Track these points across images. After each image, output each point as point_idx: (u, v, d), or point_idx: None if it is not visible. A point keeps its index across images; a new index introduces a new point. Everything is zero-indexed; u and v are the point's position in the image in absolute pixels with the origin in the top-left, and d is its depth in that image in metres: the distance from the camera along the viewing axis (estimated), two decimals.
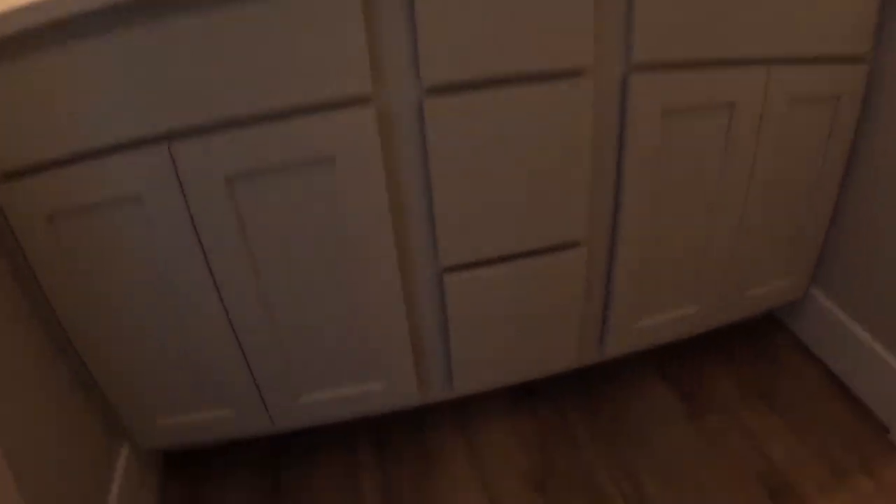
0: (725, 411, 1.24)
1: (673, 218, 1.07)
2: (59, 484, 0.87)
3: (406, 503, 1.11)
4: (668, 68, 0.93)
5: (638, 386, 1.30)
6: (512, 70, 0.84)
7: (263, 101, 0.78)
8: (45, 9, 0.68)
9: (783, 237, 1.19)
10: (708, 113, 0.99)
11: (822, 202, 1.17)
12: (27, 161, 0.78)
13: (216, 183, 0.83)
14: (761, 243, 1.17)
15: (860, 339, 1.19)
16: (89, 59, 0.72)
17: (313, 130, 0.82)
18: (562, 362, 1.15)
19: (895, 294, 1.10)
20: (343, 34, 0.76)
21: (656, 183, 1.01)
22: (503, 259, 1.00)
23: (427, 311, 1.02)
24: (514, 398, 1.29)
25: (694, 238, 1.10)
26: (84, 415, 0.98)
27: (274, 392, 1.03)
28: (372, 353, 1.03)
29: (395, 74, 0.83)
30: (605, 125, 0.94)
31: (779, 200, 1.13)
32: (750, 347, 1.37)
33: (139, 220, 0.85)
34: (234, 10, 0.72)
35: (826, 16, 0.95)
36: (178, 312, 0.93)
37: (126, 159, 0.80)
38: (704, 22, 0.89)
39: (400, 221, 0.93)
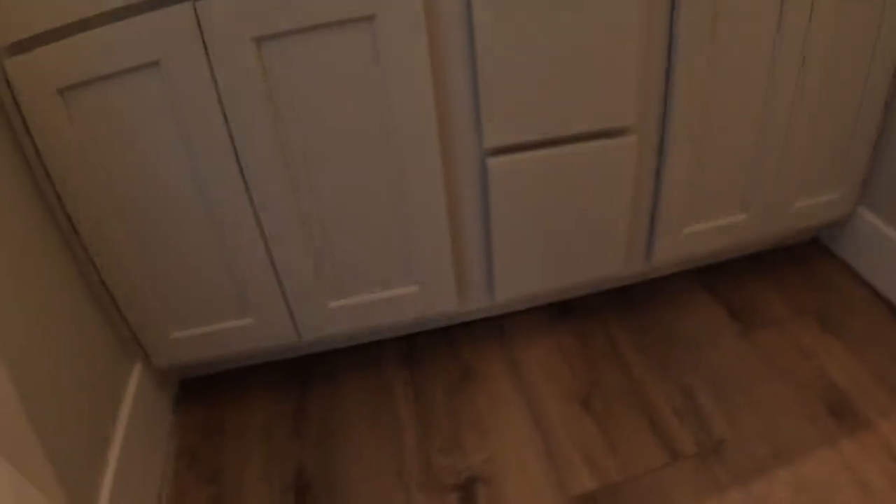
0: (778, 328, 1.17)
1: (724, 118, 1.00)
2: (65, 400, 0.80)
3: (443, 421, 1.04)
4: None
5: (685, 302, 1.23)
6: None
7: None
8: None
9: (831, 148, 1.12)
10: (758, 15, 0.93)
11: (869, 113, 1.10)
12: (34, 30, 0.72)
13: (244, 45, 0.76)
14: (810, 153, 1.11)
15: None
16: None
17: None
18: (609, 269, 1.08)
19: None
20: None
21: (708, 73, 0.95)
22: (550, 143, 0.93)
23: (468, 202, 0.95)
24: (554, 316, 1.22)
25: (744, 142, 1.04)
26: (93, 327, 0.91)
27: (301, 298, 0.96)
28: (408, 250, 0.96)
29: None
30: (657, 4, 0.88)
31: (827, 110, 1.07)
32: (797, 269, 1.30)
33: (157, 91, 0.78)
34: None
35: None
36: (198, 203, 0.86)
37: (144, 22, 0.73)
38: None
39: (442, 95, 0.86)
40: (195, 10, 0.73)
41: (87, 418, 0.84)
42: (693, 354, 1.12)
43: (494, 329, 1.20)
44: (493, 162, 0.91)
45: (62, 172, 0.81)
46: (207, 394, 1.12)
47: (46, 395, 0.75)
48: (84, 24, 0.73)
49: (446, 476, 0.96)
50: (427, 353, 1.16)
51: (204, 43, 0.76)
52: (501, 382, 1.09)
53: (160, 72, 0.77)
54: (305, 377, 1.14)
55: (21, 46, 0.73)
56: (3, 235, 0.74)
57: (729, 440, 0.98)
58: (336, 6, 0.76)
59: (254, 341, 0.99)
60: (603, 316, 1.20)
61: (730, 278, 1.28)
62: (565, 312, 1.22)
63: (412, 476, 0.97)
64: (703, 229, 1.11)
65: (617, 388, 1.07)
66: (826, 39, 0.98)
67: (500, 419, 1.03)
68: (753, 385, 1.06)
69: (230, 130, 0.81)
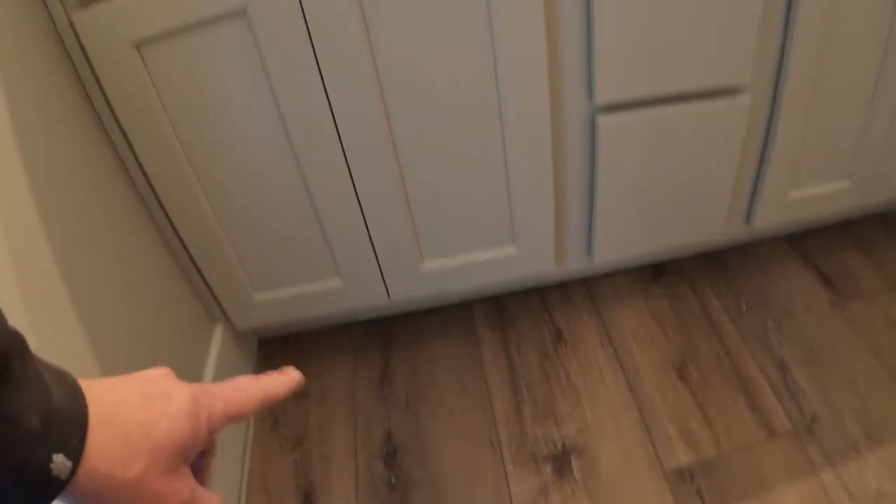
0: (871, 300, 1.12)
1: (837, 80, 0.93)
2: (149, 361, 0.77)
3: (535, 387, 1.01)
4: None
5: (777, 269, 1.18)
6: None
7: None
8: None
9: None
10: None
11: None
12: None
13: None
14: None
15: None
16: None
17: None
18: (708, 233, 1.03)
19: None
20: None
21: (825, 34, 0.88)
22: (662, 101, 0.87)
23: (574, 161, 0.90)
24: (646, 279, 1.17)
25: (855, 107, 0.97)
26: (175, 291, 0.88)
27: (393, 258, 0.92)
28: (509, 210, 0.91)
29: None
30: None
31: None
32: (890, 238, 1.24)
33: (244, 41, 0.73)
34: None
35: None
36: (288, 160, 0.82)
37: None
38: None
39: (554, 49, 0.80)
40: None
41: None
42: (787, 324, 1.08)
43: (585, 290, 1.16)
44: (603, 119, 0.86)
45: (141, 131, 0.77)
46: (287, 353, 1.10)
47: (132, 362, 0.73)
48: None
49: (540, 446, 0.93)
50: (517, 316, 1.12)
51: None
52: (594, 347, 1.05)
53: (247, 20, 0.72)
54: (389, 338, 1.11)
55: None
56: (86, 206, 0.70)
57: (822, 417, 0.95)
58: None
59: (340, 303, 0.96)
60: (696, 280, 1.16)
61: (821, 245, 1.22)
62: (657, 275, 1.17)
63: (504, 445, 0.94)
64: (805, 196, 1.05)
65: (712, 357, 1.03)
66: None
67: (594, 386, 1.00)
68: (847, 359, 1.02)
69: (324, 82, 0.76)
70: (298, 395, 1.03)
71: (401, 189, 0.86)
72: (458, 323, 1.12)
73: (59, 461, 0.24)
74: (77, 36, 0.70)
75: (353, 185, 0.84)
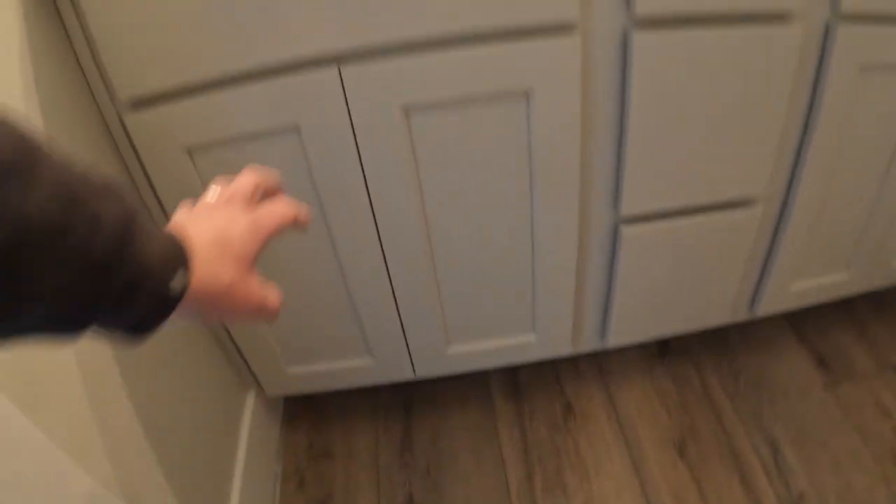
0: (861, 382, 1.19)
1: (848, 181, 1.00)
2: (188, 437, 0.84)
3: (546, 459, 1.08)
4: (873, 20, 0.85)
5: (775, 348, 1.25)
6: (722, 9, 0.77)
7: (453, 23, 0.71)
8: None
9: None
10: None
11: None
12: (161, 88, 0.71)
13: (391, 113, 0.76)
14: None
15: None
16: None
17: (509, 60, 0.75)
18: (713, 319, 1.11)
19: None
20: None
21: (841, 143, 0.94)
22: (680, 213, 0.94)
23: (595, 262, 0.97)
24: (652, 355, 1.25)
25: (862, 204, 1.04)
26: (212, 364, 0.95)
27: (422, 342, 0.99)
28: (533, 304, 0.98)
29: (604, 3, 0.76)
30: (801, 77, 0.87)
31: None
32: (884, 318, 1.31)
33: (295, 152, 0.79)
34: None
35: None
36: (328, 254, 0.88)
37: (289, 82, 0.73)
38: None
39: (587, 163, 0.87)
40: (340, 75, 0.73)
41: (207, 451, 0.88)
42: (781, 404, 1.15)
43: (595, 365, 1.23)
44: (626, 230, 0.92)
45: None
46: (311, 412, 1.17)
47: (171, 436, 0.80)
48: (217, 84, 0.72)
49: None
50: (531, 387, 1.20)
51: (348, 108, 0.75)
52: (601, 423, 1.13)
53: (300, 135, 0.77)
54: (409, 401, 1.18)
55: (145, 102, 0.72)
56: None
57: (808, 496, 1.02)
58: (493, 80, 0.75)
59: (369, 378, 1.03)
60: (698, 358, 1.23)
61: (819, 324, 1.29)
62: (662, 352, 1.25)
63: None
64: (806, 287, 1.12)
65: (710, 435, 1.11)
66: None
67: (600, 460, 1.08)
68: (835, 441, 1.10)
69: (368, 190, 0.82)
70: (323, 456, 1.11)
71: (433, 283, 0.93)
72: (476, 389, 1.19)
73: (178, 281, 0.33)
74: (129, 136, 0.75)
75: (389, 278, 0.91)
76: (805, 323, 1.30)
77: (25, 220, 0.26)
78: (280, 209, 0.43)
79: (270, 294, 0.42)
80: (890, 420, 1.12)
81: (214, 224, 0.39)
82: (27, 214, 0.26)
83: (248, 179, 0.45)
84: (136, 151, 0.77)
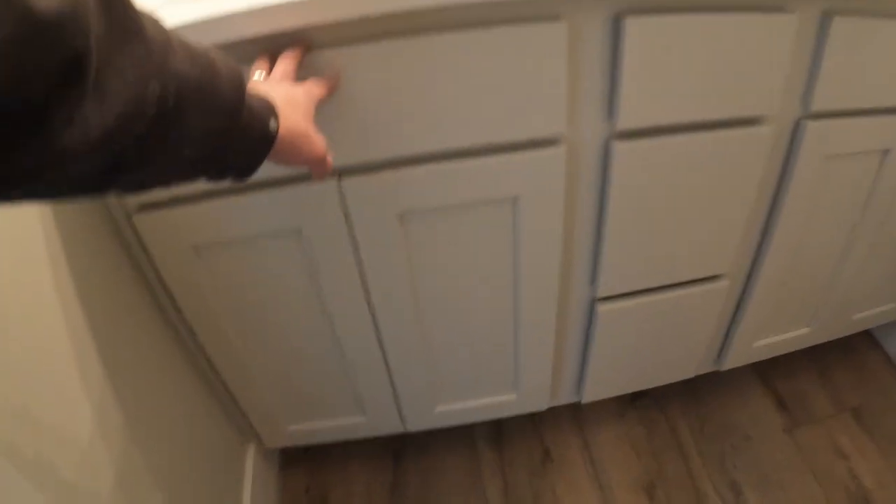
0: (819, 425, 1.28)
1: (810, 253, 1.07)
2: (198, 484, 0.92)
3: (526, 501, 1.17)
4: (838, 116, 0.91)
5: (740, 393, 1.34)
6: (698, 118, 0.83)
7: (455, 138, 0.76)
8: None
9: None
10: (863, 159, 0.97)
11: None
12: (168, 194, 0.77)
13: (388, 220, 0.82)
14: (882, 275, 1.19)
15: None
16: None
17: (500, 170, 0.81)
18: (681, 373, 1.19)
19: None
20: (545, 74, 0.73)
21: (804, 223, 1.01)
22: (652, 290, 1.01)
23: (572, 334, 1.05)
24: (625, 403, 1.33)
25: (824, 271, 1.11)
26: (219, 423, 1.02)
27: (411, 403, 1.07)
28: (514, 370, 1.05)
29: (587, 118, 0.81)
30: (769, 168, 0.94)
31: None
32: (845, 362, 1.40)
33: (296, 252, 0.85)
34: (421, 41, 0.67)
35: None
36: (326, 334, 0.95)
37: (291, 191, 0.78)
38: (876, 73, 0.86)
39: (567, 255, 0.93)
40: (340, 187, 0.78)
41: (213, 499, 0.96)
42: (744, 448, 1.25)
43: (572, 412, 1.31)
44: (601, 307, 0.99)
45: (194, 310, 0.88)
46: (309, 459, 1.24)
47: (179, 484, 0.86)
48: (223, 192, 0.77)
49: None
50: (512, 435, 1.28)
51: (347, 216, 0.81)
52: (577, 467, 1.21)
53: (301, 237, 0.83)
54: (400, 449, 1.26)
55: (151, 206, 0.77)
56: (136, 360, 0.82)
57: None
58: (483, 189, 0.81)
59: (362, 432, 1.11)
60: (667, 404, 1.32)
61: (782, 367, 1.38)
62: (635, 397, 1.33)
63: None
64: (770, 342, 1.20)
65: (677, 479, 1.20)
66: None
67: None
68: (793, 484, 1.19)
69: (365, 282, 0.88)
70: (320, 500, 1.18)
71: (423, 355, 0.99)
72: (462, 438, 1.27)
73: (273, 125, 0.47)
74: (138, 235, 0.81)
75: (383, 350, 0.98)
76: (769, 367, 1.38)
77: (185, 80, 0.35)
78: (319, 82, 0.60)
79: (329, 153, 0.57)
80: (845, 461, 1.22)
81: (279, 92, 0.51)
82: (186, 76, 0.35)
83: (287, 64, 0.58)
84: (145, 249, 0.82)
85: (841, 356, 1.41)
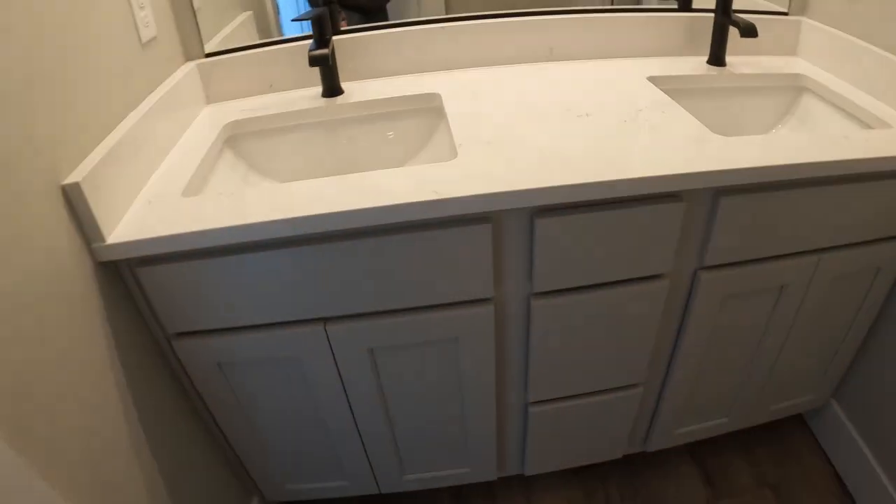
0: (739, 498, 1.50)
1: (716, 366, 1.30)
2: None
3: None
4: (733, 266, 1.13)
5: (670, 468, 1.56)
6: (602, 280, 1.07)
7: (408, 300, 1.02)
8: (247, 232, 0.90)
9: (811, 371, 1.41)
10: (761, 294, 1.19)
11: (849, 345, 1.37)
12: (198, 327, 1.03)
13: (360, 352, 1.08)
14: (791, 377, 1.40)
15: (863, 455, 1.42)
16: (268, 262, 0.94)
17: (444, 321, 1.06)
18: (610, 455, 1.43)
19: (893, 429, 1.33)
20: (478, 263, 0.99)
21: (706, 344, 1.24)
22: (577, 396, 1.26)
23: (513, 426, 1.30)
24: (569, 472, 1.57)
25: (732, 377, 1.34)
26: (229, 481, 1.31)
27: (384, 473, 1.34)
28: (466, 451, 1.32)
29: (512, 283, 1.06)
30: (673, 307, 1.16)
31: (813, 346, 1.35)
32: (772, 440, 1.61)
33: (295, 372, 1.11)
34: (388, 240, 0.94)
35: (872, 212, 1.11)
36: (321, 425, 1.22)
37: (290, 332, 1.04)
38: (767, 230, 1.07)
39: (501, 373, 1.19)
40: (325, 329, 1.05)
41: None
42: None
43: (522, 480, 1.56)
44: (533, 409, 1.25)
45: (215, 401, 1.16)
46: None
47: None
48: (240, 329, 1.04)
49: None
50: (470, 496, 1.54)
51: (331, 348, 1.08)
52: None
53: (299, 363, 1.10)
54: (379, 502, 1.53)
55: (186, 335, 1.04)
56: (169, 432, 1.10)
57: None
58: (431, 332, 1.07)
59: (346, 493, 1.38)
60: (606, 474, 1.56)
61: (713, 444, 1.60)
62: (579, 469, 1.57)
63: None
64: (691, 429, 1.43)
65: None
66: (816, 307, 1.24)
67: None
68: None
69: (346, 391, 1.15)
70: None
71: (392, 442, 1.26)
72: (430, 498, 1.53)
73: None
74: (175, 354, 1.08)
75: (360, 435, 1.25)
76: (700, 444, 1.60)
77: None
78: None
79: None
80: None
81: None
82: None
83: None
84: (182, 365, 1.10)
85: (769, 435, 1.62)
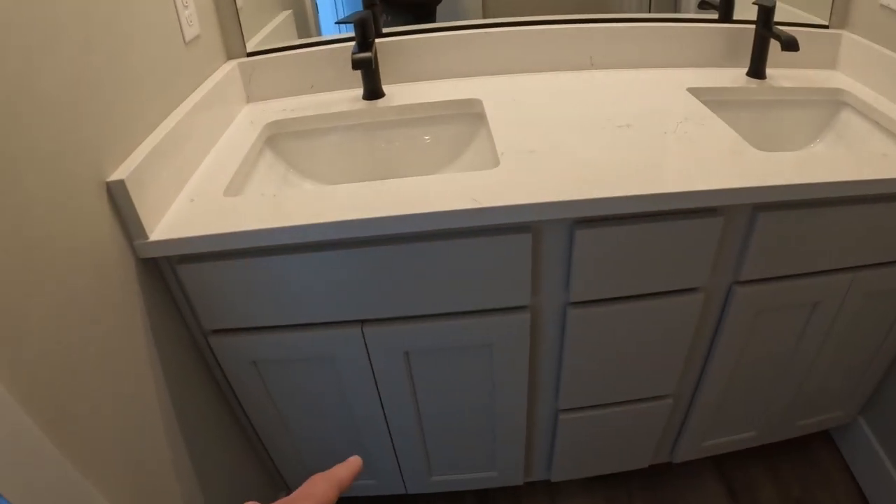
0: None
1: (746, 379, 1.29)
2: None
3: None
4: (768, 281, 1.12)
5: (695, 479, 1.56)
6: (638, 292, 1.07)
7: (445, 306, 1.03)
8: (287, 234, 0.90)
9: (840, 387, 1.40)
10: (794, 309, 1.19)
11: (881, 361, 1.36)
12: (234, 325, 1.04)
13: (396, 355, 1.09)
14: (820, 393, 1.39)
15: (888, 474, 1.41)
16: (309, 264, 0.95)
17: (480, 327, 1.07)
18: (637, 464, 1.43)
19: None
20: (516, 271, 1.00)
21: (738, 358, 1.23)
22: (607, 405, 1.26)
23: (542, 433, 1.31)
24: (594, 479, 1.57)
25: (762, 392, 1.33)
26: (261, 477, 1.33)
27: (412, 474, 1.35)
28: (493, 456, 1.32)
29: (549, 292, 1.06)
30: (706, 320, 1.16)
31: (843, 363, 1.34)
32: (798, 457, 1.60)
33: (329, 371, 1.12)
34: (429, 246, 0.95)
35: None
36: (351, 424, 1.23)
37: (327, 332, 1.05)
38: (803, 246, 1.06)
39: (534, 379, 1.19)
40: (362, 331, 1.06)
41: None
42: None
43: (548, 486, 1.57)
44: (563, 416, 1.25)
45: (249, 398, 1.17)
46: None
47: None
48: (278, 328, 1.05)
49: None
50: (496, 500, 1.55)
51: (367, 349, 1.09)
52: None
53: (335, 362, 1.11)
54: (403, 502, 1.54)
55: (221, 332, 1.05)
56: (200, 434, 1.12)
57: None
58: (466, 338, 1.08)
59: (374, 491, 1.40)
60: (631, 486, 1.56)
61: (736, 458, 1.60)
62: (605, 477, 1.57)
63: None
64: (718, 442, 1.43)
65: None
66: (848, 324, 1.23)
67: None
68: None
69: (379, 391, 1.16)
70: None
71: (421, 443, 1.27)
72: (455, 500, 1.53)
73: None
74: (212, 350, 1.10)
75: (391, 436, 1.26)
76: (726, 458, 1.60)
77: None
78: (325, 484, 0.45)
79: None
80: None
81: None
82: None
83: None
84: (217, 360, 1.12)
85: (795, 450, 1.62)
